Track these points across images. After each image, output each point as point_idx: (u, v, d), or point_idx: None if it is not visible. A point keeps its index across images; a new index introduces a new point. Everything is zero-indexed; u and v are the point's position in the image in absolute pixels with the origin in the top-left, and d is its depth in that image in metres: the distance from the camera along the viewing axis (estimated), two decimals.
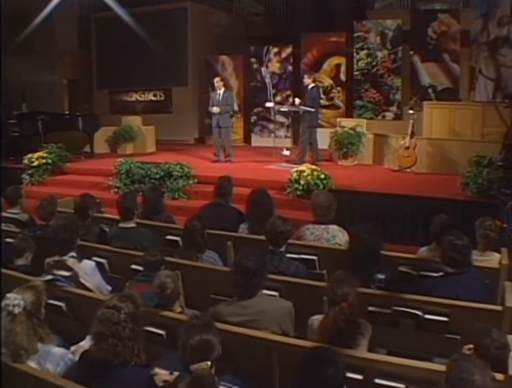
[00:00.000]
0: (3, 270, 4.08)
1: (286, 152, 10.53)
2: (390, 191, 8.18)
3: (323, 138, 11.05)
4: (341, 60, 13.44)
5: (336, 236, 4.96)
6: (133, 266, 4.39)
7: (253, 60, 14.30)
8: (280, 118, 14.30)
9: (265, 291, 3.68)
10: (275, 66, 14.13)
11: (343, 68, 13.42)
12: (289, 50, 13.97)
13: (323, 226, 4.96)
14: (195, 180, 9.17)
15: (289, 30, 16.59)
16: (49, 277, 3.73)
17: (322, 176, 8.14)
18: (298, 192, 8.07)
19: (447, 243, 3.87)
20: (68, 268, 3.75)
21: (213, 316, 3.29)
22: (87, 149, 12.50)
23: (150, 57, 14.60)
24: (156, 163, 9.46)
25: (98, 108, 15.63)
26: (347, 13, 16.97)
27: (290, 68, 13.99)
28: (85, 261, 3.89)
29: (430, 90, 12.71)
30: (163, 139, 13.68)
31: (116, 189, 9.39)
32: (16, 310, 2.72)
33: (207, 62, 14.91)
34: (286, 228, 4.30)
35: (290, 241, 5.09)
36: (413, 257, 4.49)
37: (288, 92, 13.99)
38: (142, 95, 15.74)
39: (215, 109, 10.74)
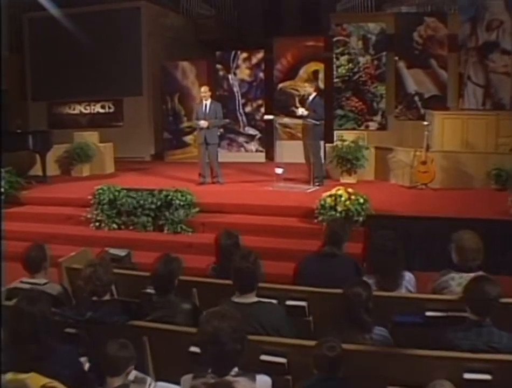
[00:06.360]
0: None
1: (279, 170, 9.26)
2: (435, 214, 7.15)
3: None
4: (320, 66, 12.26)
5: None
6: (264, 357, 3.01)
7: (218, 66, 12.83)
8: (250, 131, 13.02)
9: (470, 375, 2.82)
10: (244, 72, 12.75)
11: (321, 75, 12.25)
12: (260, 55, 12.64)
13: (472, 274, 3.75)
14: (197, 209, 7.62)
15: (244, 33, 15.47)
16: None
17: (361, 200, 6.97)
18: None
19: None
20: None
21: None
22: (34, 171, 10.48)
23: (97, 64, 12.84)
24: (149, 189, 7.77)
25: (34, 122, 13.49)
26: (301, 17, 16.16)
27: (261, 75, 12.68)
28: (261, 377, 2.33)
29: (416, 98, 11.94)
30: (115, 157, 11.81)
31: (97, 224, 7.69)
32: None
33: (164, 69, 13.24)
34: (497, 291, 3.11)
35: (425, 295, 3.94)
36: None
37: (260, 101, 12.68)
38: (87, 107, 13.70)
39: (202, 123, 9.19)
